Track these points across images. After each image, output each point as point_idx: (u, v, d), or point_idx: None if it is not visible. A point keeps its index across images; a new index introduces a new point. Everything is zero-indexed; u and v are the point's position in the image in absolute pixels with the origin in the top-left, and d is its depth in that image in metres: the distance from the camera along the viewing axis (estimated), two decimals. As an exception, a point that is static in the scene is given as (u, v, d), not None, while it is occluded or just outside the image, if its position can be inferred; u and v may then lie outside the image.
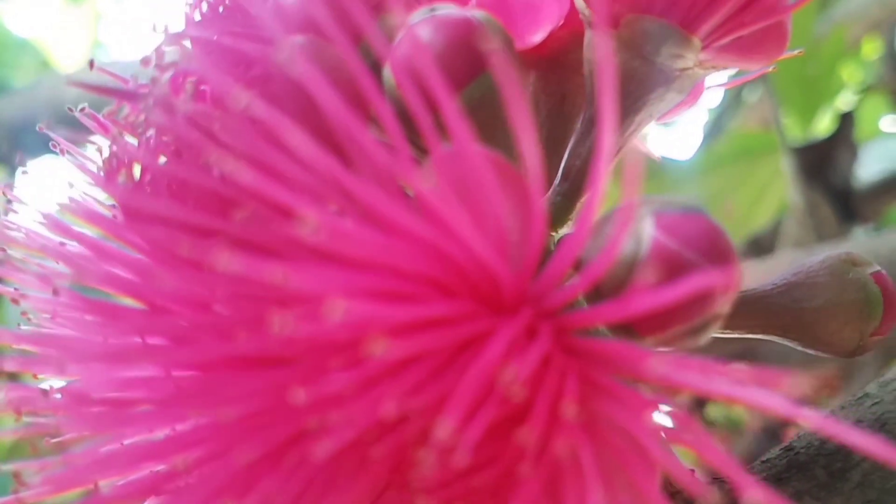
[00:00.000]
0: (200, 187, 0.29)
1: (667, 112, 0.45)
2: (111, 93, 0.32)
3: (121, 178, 0.30)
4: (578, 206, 0.42)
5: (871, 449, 0.23)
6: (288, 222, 0.24)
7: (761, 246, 1.87)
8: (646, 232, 0.30)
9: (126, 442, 0.30)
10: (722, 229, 0.31)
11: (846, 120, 1.80)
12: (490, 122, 0.34)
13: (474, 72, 0.33)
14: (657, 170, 1.94)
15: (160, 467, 0.29)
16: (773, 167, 1.80)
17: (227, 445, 0.27)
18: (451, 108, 0.25)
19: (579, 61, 0.42)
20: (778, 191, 1.82)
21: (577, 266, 0.32)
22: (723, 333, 0.44)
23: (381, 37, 0.29)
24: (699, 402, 1.62)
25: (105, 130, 0.35)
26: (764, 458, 0.45)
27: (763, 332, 0.44)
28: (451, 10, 0.33)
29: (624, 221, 0.24)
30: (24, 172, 0.38)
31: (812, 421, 0.23)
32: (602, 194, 0.25)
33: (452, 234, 0.26)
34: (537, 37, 0.42)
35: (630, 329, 0.31)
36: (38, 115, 2.40)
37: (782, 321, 0.43)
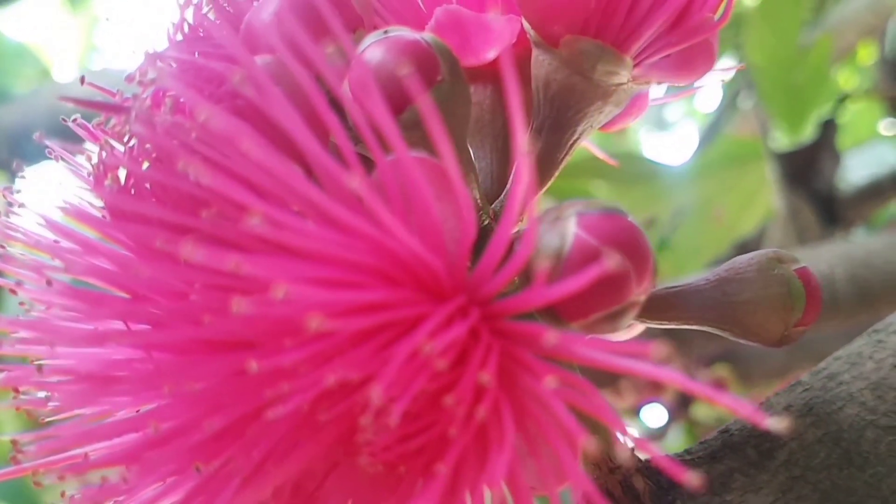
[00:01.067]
0: (176, 190, 0.33)
1: (611, 122, 0.49)
2: (98, 106, 0.36)
3: (107, 182, 0.34)
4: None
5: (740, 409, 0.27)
6: (245, 219, 0.28)
7: (748, 250, 1.91)
8: (570, 230, 0.34)
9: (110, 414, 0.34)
10: (638, 228, 0.35)
11: (829, 127, 1.83)
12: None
13: (422, 87, 0.37)
14: (651, 174, 1.98)
15: (139, 436, 0.33)
16: (760, 173, 1.83)
17: (197, 416, 0.31)
18: (389, 124, 0.29)
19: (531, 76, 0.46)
20: (765, 196, 1.86)
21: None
22: (661, 324, 0.49)
23: (341, 58, 0.33)
24: (685, 402, 1.65)
25: (95, 138, 0.38)
26: (703, 440, 0.49)
27: (698, 324, 0.48)
28: (402, 33, 0.38)
29: (509, 223, 0.28)
30: (23, 177, 0.41)
31: (695, 389, 0.27)
32: (520, 199, 0.29)
33: (395, 232, 0.30)
34: (492, 53, 0.46)
35: (557, 315, 0.35)
36: (38, 122, 2.44)
37: (715, 314, 0.47)
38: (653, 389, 1.63)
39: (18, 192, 0.36)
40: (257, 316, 0.28)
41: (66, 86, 2.65)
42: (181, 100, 0.34)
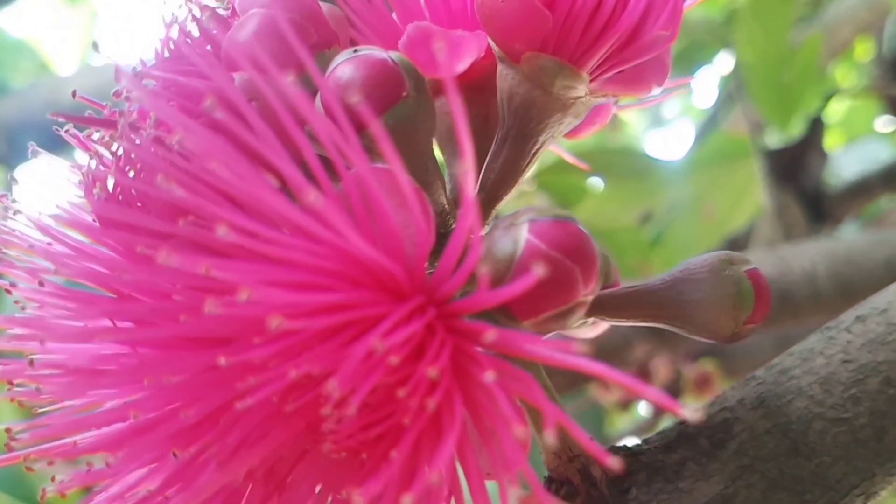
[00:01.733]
0: (159, 198, 0.36)
1: (575, 130, 0.52)
2: (87, 121, 0.39)
3: (96, 191, 0.37)
4: (494, 212, 0.49)
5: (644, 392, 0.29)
6: (212, 229, 0.31)
7: (738, 246, 1.94)
8: (522, 235, 0.37)
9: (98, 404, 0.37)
10: (586, 234, 0.38)
11: (817, 125, 1.86)
12: (401, 144, 0.41)
13: (389, 102, 0.40)
14: (646, 170, 2.01)
15: (124, 425, 0.36)
16: (750, 170, 1.86)
17: (174, 407, 0.34)
18: (352, 138, 0.32)
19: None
20: (755, 193, 1.88)
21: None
22: (619, 321, 0.52)
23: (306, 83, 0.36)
24: (674, 394, 1.68)
25: (86, 147, 0.41)
26: (660, 431, 0.52)
27: (654, 321, 0.51)
28: (370, 52, 0.41)
29: (462, 232, 0.31)
30: (15, 182, 0.44)
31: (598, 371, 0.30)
32: (472, 211, 0.32)
33: (354, 238, 0.33)
34: (461, 66, 0.49)
35: (511, 314, 0.38)
36: (35, 116, 2.46)
37: (669, 312, 0.50)
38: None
39: (14, 200, 0.39)
40: (228, 316, 0.31)
41: (64, 80, 2.68)
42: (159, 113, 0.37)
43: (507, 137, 0.47)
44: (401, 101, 0.40)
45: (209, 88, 0.37)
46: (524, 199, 2.30)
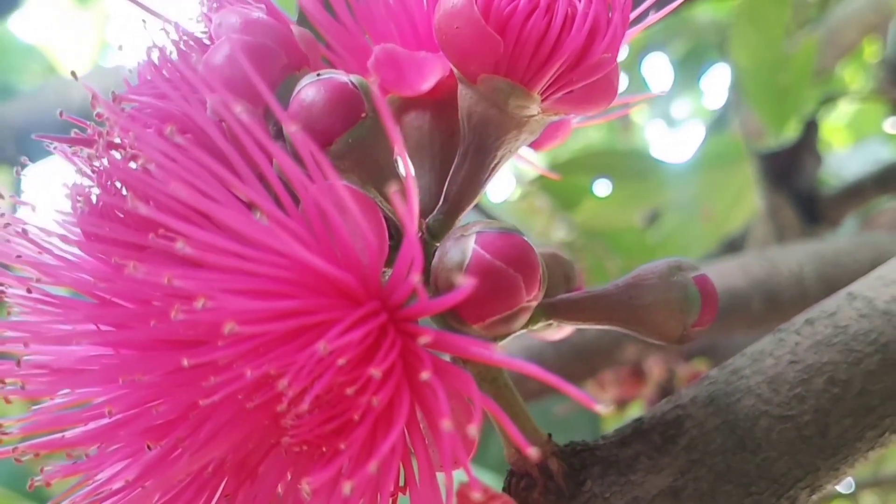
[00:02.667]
0: (136, 213, 0.39)
1: (539, 143, 0.56)
2: (70, 141, 0.43)
3: (79, 205, 0.41)
4: (457, 222, 0.52)
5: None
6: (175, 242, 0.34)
7: (735, 246, 1.97)
8: (469, 246, 0.41)
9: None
10: (529, 245, 0.41)
11: (811, 128, 1.88)
12: (362, 160, 0.44)
13: (349, 122, 0.43)
14: (650, 171, 2.03)
15: (102, 422, 0.39)
16: (748, 173, 1.88)
17: (146, 403, 0.38)
18: (315, 158, 0.36)
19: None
20: (752, 195, 1.90)
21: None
22: (578, 324, 0.55)
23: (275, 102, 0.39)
24: (664, 393, 1.71)
25: (72, 163, 0.45)
26: (618, 428, 0.55)
27: (608, 324, 0.54)
28: (333, 75, 0.44)
29: (409, 245, 0.35)
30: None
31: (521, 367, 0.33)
32: (413, 225, 0.35)
33: (301, 251, 0.36)
34: (427, 85, 0.53)
35: (460, 318, 0.41)
36: (44, 118, 2.49)
37: (621, 315, 0.53)
38: (633, 383, 1.69)
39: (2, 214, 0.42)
40: (193, 321, 0.35)
41: (71, 82, 2.71)
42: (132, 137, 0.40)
43: (468, 152, 0.51)
44: (360, 120, 0.44)
45: (181, 112, 0.40)
46: (527, 199, 2.33)
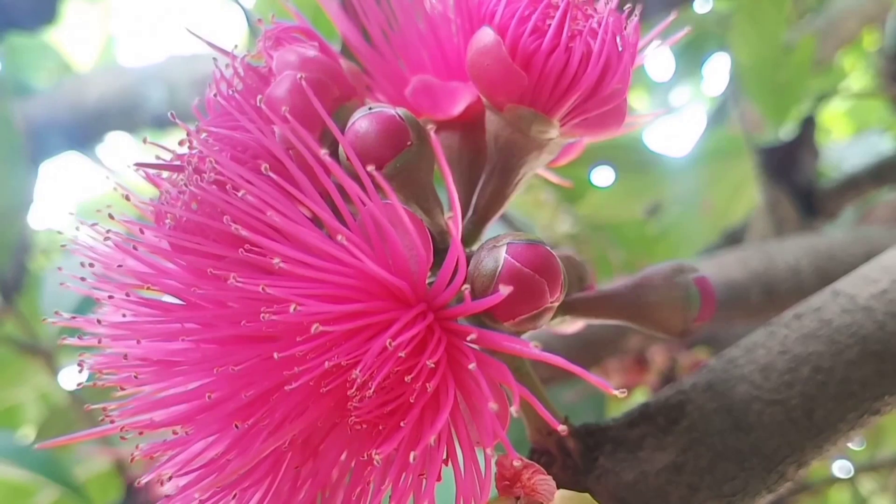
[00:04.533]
0: (216, 228, 0.47)
1: (555, 161, 0.63)
2: (160, 167, 0.50)
3: (167, 222, 0.48)
4: (484, 230, 0.59)
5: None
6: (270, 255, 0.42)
7: (736, 238, 2.02)
8: (501, 255, 0.48)
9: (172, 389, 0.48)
10: (552, 254, 0.48)
11: (809, 123, 1.93)
12: (407, 181, 0.52)
13: (397, 149, 0.51)
14: (650, 164, 2.09)
15: (192, 405, 0.47)
16: (747, 167, 1.93)
17: (236, 389, 0.45)
18: (368, 180, 0.43)
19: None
20: (752, 189, 1.95)
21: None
22: (590, 320, 0.62)
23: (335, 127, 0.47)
24: (667, 381, 1.76)
25: (157, 185, 0.52)
26: (626, 412, 0.62)
27: (618, 320, 0.61)
28: (383, 108, 0.51)
29: (453, 257, 0.42)
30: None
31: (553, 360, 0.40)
32: (457, 241, 0.43)
33: (367, 262, 0.43)
34: (458, 109, 0.60)
35: (493, 318, 0.49)
36: (61, 116, 2.55)
37: (629, 312, 0.60)
38: (637, 371, 1.75)
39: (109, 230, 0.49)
40: (278, 322, 0.42)
41: (87, 80, 2.77)
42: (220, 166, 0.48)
43: (495, 170, 0.58)
44: (406, 148, 0.51)
45: (256, 142, 0.48)
46: (532, 192, 2.39)
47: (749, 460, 0.58)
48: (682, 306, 0.59)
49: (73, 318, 0.49)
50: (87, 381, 0.50)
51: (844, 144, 2.50)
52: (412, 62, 0.61)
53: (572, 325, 0.66)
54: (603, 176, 2.09)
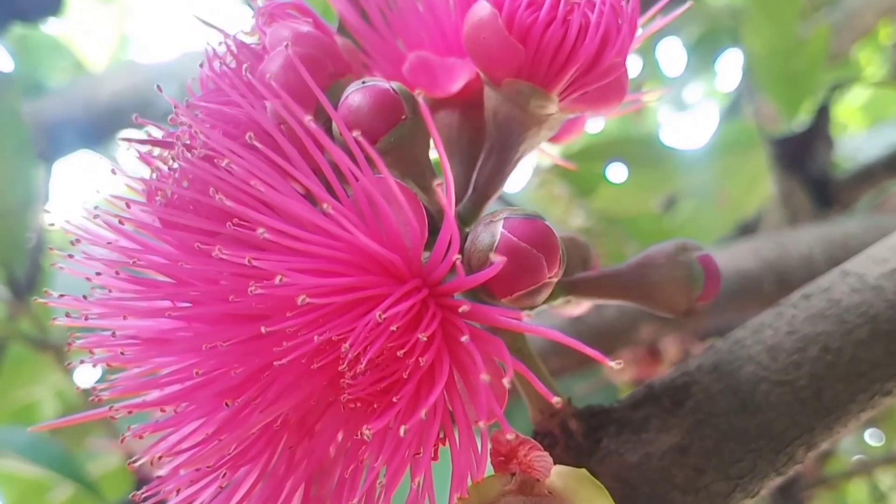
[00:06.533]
0: (207, 205, 0.46)
1: (557, 137, 0.62)
2: (151, 143, 0.49)
3: (158, 199, 0.47)
4: (484, 209, 0.58)
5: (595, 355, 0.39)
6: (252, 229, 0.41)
7: (750, 230, 2.01)
8: (498, 230, 0.47)
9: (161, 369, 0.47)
10: (550, 228, 0.47)
11: (823, 113, 1.91)
12: (402, 156, 0.51)
13: (391, 123, 0.50)
14: (664, 158, 2.08)
15: (186, 383, 0.46)
16: (762, 159, 1.92)
17: (226, 366, 0.44)
18: (360, 154, 0.42)
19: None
20: (766, 181, 1.94)
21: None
22: (594, 301, 0.61)
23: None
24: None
25: (148, 163, 0.51)
26: (631, 393, 0.61)
27: (622, 299, 0.60)
28: (376, 82, 0.50)
29: (448, 230, 0.41)
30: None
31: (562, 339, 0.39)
32: (451, 213, 0.42)
33: (359, 235, 0.42)
34: (456, 86, 0.59)
35: (491, 294, 0.48)
36: (75, 114, 2.55)
37: (634, 291, 0.59)
38: (650, 362, 1.74)
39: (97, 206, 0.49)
40: (266, 295, 0.41)
41: (100, 79, 2.78)
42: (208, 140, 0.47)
43: (494, 147, 0.57)
44: (400, 122, 0.50)
45: (246, 116, 0.47)
46: (546, 186, 2.38)
47: (756, 441, 0.57)
48: (685, 285, 0.58)
49: (61, 296, 0.48)
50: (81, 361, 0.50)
51: (861, 137, 2.48)
52: (410, 40, 0.60)
53: (577, 307, 0.65)
54: (617, 171, 2.08)
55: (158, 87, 0.50)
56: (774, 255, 1.43)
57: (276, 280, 0.40)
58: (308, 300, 0.40)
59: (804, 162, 1.89)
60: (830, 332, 0.59)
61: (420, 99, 0.43)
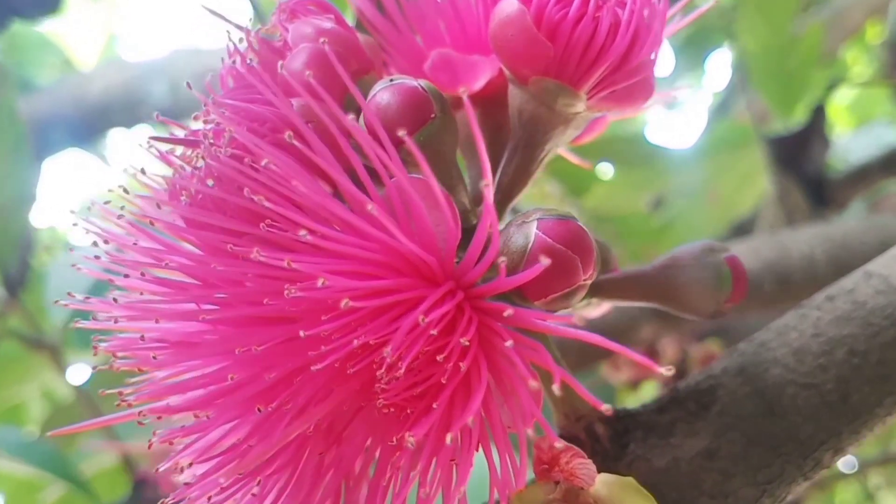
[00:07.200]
0: (235, 204, 0.45)
1: (578, 138, 0.61)
2: (177, 142, 0.48)
3: (183, 198, 0.46)
4: (507, 210, 0.57)
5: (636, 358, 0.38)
6: (292, 229, 0.40)
7: (744, 230, 2.01)
8: (532, 231, 0.46)
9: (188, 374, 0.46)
10: (584, 229, 0.46)
11: (819, 112, 1.91)
12: (430, 156, 0.49)
13: (420, 122, 0.48)
14: (653, 157, 2.07)
15: (212, 388, 0.45)
16: (755, 157, 1.92)
17: (259, 371, 0.43)
18: (394, 155, 0.41)
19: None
20: (760, 179, 1.94)
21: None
22: (618, 302, 0.60)
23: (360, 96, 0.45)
24: (679, 375, 1.75)
25: (169, 163, 0.50)
26: (656, 398, 0.60)
27: (647, 301, 0.59)
28: (404, 80, 0.49)
29: (483, 231, 0.40)
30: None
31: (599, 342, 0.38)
32: (488, 214, 0.40)
33: (400, 236, 0.41)
34: (479, 84, 0.58)
35: (523, 296, 0.47)
36: (64, 112, 2.53)
37: (660, 293, 0.58)
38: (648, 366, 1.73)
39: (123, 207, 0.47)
40: (302, 298, 0.40)
41: (90, 76, 2.76)
42: (236, 136, 0.46)
43: (518, 146, 0.56)
44: (430, 121, 0.49)
45: (274, 114, 0.46)
46: (538, 185, 2.38)
47: (784, 446, 0.56)
48: (713, 287, 0.57)
49: (87, 299, 0.47)
50: (102, 366, 0.48)
51: (850, 136, 2.49)
52: (429, 36, 0.59)
53: (597, 308, 0.64)
54: (608, 170, 2.08)
55: (188, 83, 0.48)
56: (774, 255, 1.42)
57: (319, 283, 0.39)
58: (351, 304, 0.39)
59: (800, 161, 1.89)
60: (856, 335, 0.58)
61: (465, 96, 0.42)
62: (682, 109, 3.51)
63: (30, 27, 3.05)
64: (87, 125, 2.56)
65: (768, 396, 0.57)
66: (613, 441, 0.56)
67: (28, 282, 1.58)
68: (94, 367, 0.50)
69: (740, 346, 0.61)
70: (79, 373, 1.64)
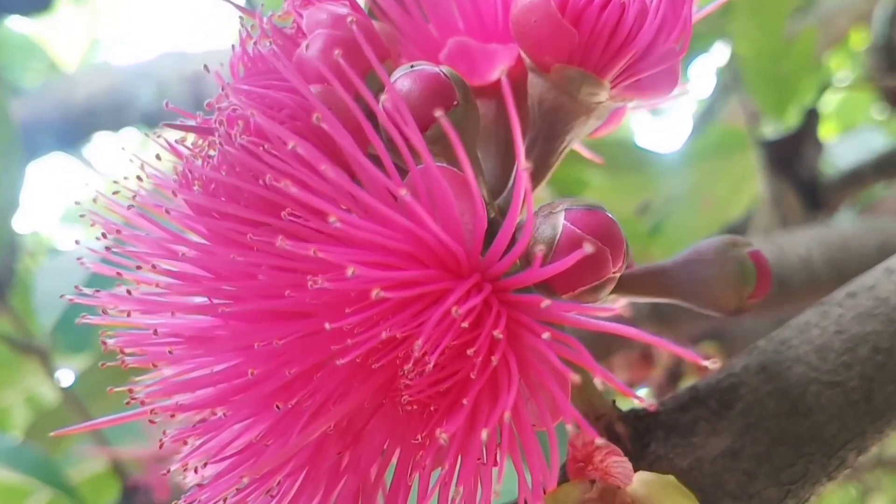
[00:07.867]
0: (251, 193, 0.43)
1: (596, 130, 0.59)
2: (190, 129, 0.46)
3: (195, 188, 0.44)
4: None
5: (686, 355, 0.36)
6: (316, 217, 0.38)
7: (736, 234, 1.99)
8: (560, 222, 0.44)
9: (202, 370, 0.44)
10: (613, 220, 0.45)
11: (812, 116, 1.91)
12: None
13: (443, 110, 0.47)
14: (642, 162, 2.06)
15: (228, 385, 0.43)
16: (747, 161, 1.91)
17: (278, 366, 0.41)
18: (419, 139, 0.39)
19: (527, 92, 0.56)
20: (752, 183, 1.93)
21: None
22: (636, 298, 0.58)
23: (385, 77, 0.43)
24: (674, 378, 1.73)
25: (176, 153, 0.48)
26: (673, 395, 0.58)
27: (669, 297, 0.57)
28: (425, 66, 0.47)
29: (513, 220, 0.38)
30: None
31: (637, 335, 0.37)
32: (519, 202, 0.39)
33: (425, 227, 0.39)
34: (496, 74, 0.56)
35: (551, 289, 0.45)
36: (49, 115, 2.51)
37: (682, 289, 0.57)
38: (643, 367, 1.72)
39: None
40: (325, 290, 0.38)
41: (75, 80, 2.73)
42: (252, 122, 0.44)
43: (538, 137, 0.54)
44: (452, 108, 0.47)
45: (293, 101, 0.44)
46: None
47: (808, 445, 0.55)
48: (736, 282, 0.56)
49: (97, 292, 0.45)
50: (93, 367, 0.46)
51: (836, 142, 2.49)
52: (443, 24, 0.58)
53: (615, 304, 0.62)
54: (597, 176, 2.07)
55: (206, 67, 0.46)
56: (772, 258, 1.39)
57: (348, 272, 0.37)
58: (382, 294, 0.37)
59: (794, 164, 1.88)
60: (880, 332, 0.57)
61: (503, 78, 0.40)
62: (665, 115, 3.51)
63: (14, 30, 3.03)
64: (73, 129, 2.54)
65: (791, 395, 0.55)
66: (634, 441, 0.55)
67: (13, 286, 1.56)
68: (86, 367, 0.48)
69: (759, 344, 0.60)
70: (66, 377, 1.62)
